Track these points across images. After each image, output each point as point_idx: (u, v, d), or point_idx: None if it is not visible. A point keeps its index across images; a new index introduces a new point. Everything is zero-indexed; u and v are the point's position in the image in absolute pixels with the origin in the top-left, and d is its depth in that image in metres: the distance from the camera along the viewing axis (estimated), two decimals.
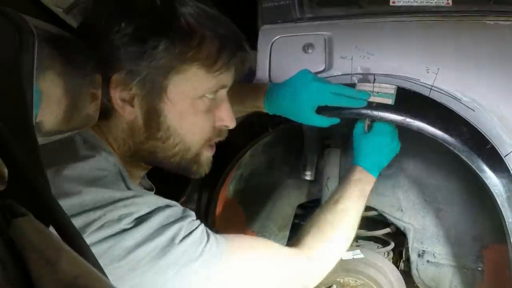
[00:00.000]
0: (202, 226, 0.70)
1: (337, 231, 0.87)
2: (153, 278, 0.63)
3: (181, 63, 0.69)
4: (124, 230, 0.62)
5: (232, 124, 0.79)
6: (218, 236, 0.72)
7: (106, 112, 0.71)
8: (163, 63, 0.68)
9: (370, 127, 1.00)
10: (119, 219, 0.62)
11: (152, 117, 0.71)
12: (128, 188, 0.68)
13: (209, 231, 0.71)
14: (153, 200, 0.68)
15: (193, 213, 0.71)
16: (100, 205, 0.62)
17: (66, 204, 0.61)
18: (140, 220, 0.63)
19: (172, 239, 0.64)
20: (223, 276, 0.69)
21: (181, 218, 0.68)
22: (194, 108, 0.73)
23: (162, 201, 0.68)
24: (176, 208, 0.69)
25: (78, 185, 0.63)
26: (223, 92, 0.77)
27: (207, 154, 0.79)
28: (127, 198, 0.64)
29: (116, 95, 0.69)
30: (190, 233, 0.67)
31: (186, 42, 0.69)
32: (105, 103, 0.70)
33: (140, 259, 0.62)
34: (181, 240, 0.65)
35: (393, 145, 0.98)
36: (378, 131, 0.97)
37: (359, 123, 1.00)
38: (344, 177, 0.98)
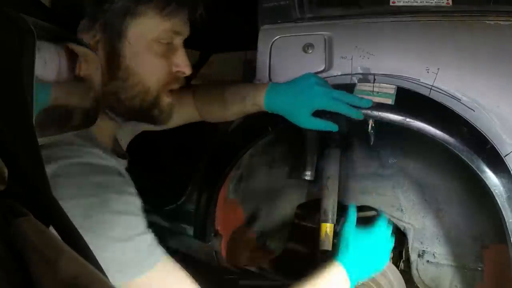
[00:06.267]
0: (143, 219, 0.71)
1: None
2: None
3: (135, 5, 0.75)
4: (59, 176, 0.63)
5: (188, 70, 0.83)
6: (160, 247, 0.72)
7: None
8: (120, 6, 0.74)
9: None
10: (56, 159, 0.64)
11: (113, 58, 0.76)
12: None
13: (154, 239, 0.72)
14: (104, 155, 0.70)
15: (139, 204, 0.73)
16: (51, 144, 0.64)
17: None
18: (77, 169, 0.65)
19: (107, 206, 0.65)
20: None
21: (130, 193, 0.70)
22: (150, 50, 0.78)
23: (116, 162, 0.71)
24: (126, 180, 0.72)
25: None
26: (178, 40, 0.82)
27: (167, 100, 0.83)
28: (73, 143, 0.67)
29: (82, 38, 0.74)
30: (127, 213, 0.68)
31: None
32: None
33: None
34: (117, 212, 0.66)
35: (386, 249, 0.99)
36: (376, 230, 0.98)
37: (350, 217, 0.99)
38: (320, 270, 0.90)
